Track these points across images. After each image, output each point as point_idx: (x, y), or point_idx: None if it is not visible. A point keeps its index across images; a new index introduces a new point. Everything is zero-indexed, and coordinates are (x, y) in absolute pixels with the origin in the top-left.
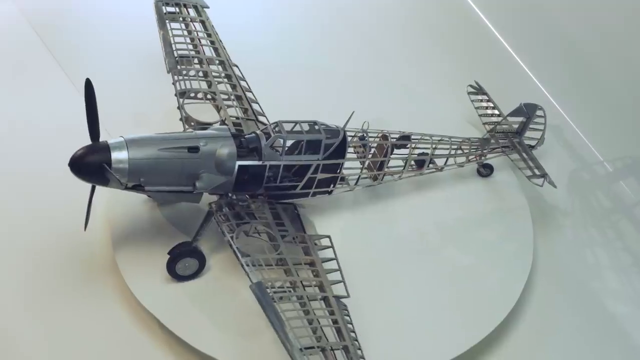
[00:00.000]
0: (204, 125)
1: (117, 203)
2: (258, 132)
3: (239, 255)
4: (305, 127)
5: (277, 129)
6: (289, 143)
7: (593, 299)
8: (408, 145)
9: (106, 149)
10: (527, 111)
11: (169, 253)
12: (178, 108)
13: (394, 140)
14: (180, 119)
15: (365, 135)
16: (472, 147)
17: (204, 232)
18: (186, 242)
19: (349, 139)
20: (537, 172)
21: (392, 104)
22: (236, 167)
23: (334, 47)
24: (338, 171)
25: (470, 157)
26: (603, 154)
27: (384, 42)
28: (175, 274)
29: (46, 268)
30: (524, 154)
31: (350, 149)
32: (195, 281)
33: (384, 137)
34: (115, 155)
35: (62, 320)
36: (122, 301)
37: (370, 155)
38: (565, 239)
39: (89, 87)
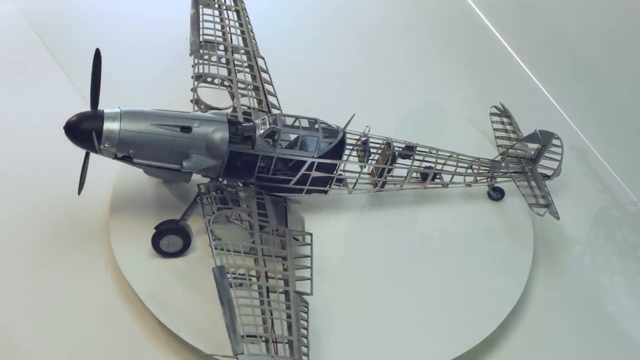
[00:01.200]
0: (218, 110)
1: (125, 175)
2: (257, 121)
3: (210, 237)
4: (305, 123)
5: (274, 121)
6: (292, 137)
7: (592, 300)
8: (412, 157)
9: (100, 117)
10: (543, 138)
11: (155, 228)
12: (192, 90)
13: (398, 149)
14: (191, 101)
15: (367, 139)
16: (482, 167)
17: (191, 213)
18: (174, 219)
19: (351, 141)
20: (541, 201)
21: (392, 104)
22: (227, 152)
23: (334, 47)
24: (335, 172)
25: (479, 178)
26: (603, 154)
27: (384, 42)
28: (159, 249)
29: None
30: (533, 182)
31: (352, 152)
32: (179, 260)
33: (387, 144)
34: (108, 125)
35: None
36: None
37: (372, 162)
38: (568, 255)
39: (97, 57)
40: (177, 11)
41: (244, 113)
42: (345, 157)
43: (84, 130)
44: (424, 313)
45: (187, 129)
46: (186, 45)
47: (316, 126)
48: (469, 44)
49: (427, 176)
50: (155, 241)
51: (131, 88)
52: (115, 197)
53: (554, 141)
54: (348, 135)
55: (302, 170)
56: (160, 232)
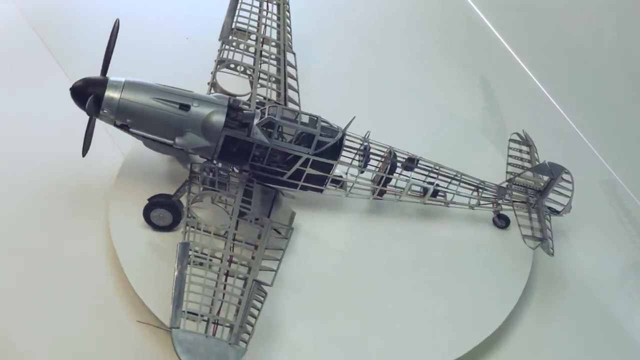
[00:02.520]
0: (232, 97)
1: (140, 148)
2: (258, 110)
3: (185, 214)
4: (305, 119)
5: (273, 111)
6: (294, 132)
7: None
8: (413, 169)
9: (103, 84)
10: (552, 171)
11: (148, 199)
12: (212, 72)
13: (401, 159)
14: (208, 83)
15: (368, 144)
16: (487, 191)
17: (184, 190)
18: (167, 194)
19: (351, 144)
20: (537, 234)
21: (391, 104)
22: (222, 135)
23: (334, 48)
24: (331, 172)
25: (483, 202)
26: (603, 155)
27: (384, 42)
28: (149, 221)
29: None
30: (534, 214)
31: (350, 155)
32: (168, 235)
33: (390, 153)
34: (109, 92)
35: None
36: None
37: (372, 168)
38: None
39: (115, 28)
40: (177, 11)
41: (258, 103)
42: (342, 160)
43: (85, 94)
44: (405, 324)
45: (185, 107)
46: (186, 44)
47: (316, 123)
48: (469, 44)
49: (427, 191)
50: (146, 212)
51: None
52: (124, 168)
53: (564, 175)
54: (349, 139)
55: (297, 166)
56: (151, 205)
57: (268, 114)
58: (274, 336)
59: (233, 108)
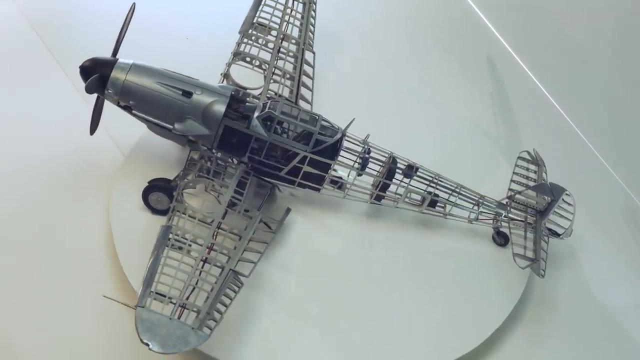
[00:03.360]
0: (240, 88)
1: (151, 135)
2: (260, 104)
3: (174, 198)
4: (306, 116)
5: (274, 106)
6: (298, 129)
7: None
8: (412, 176)
9: (111, 65)
10: (553, 192)
11: (148, 182)
12: (227, 64)
13: (402, 165)
14: (222, 73)
15: (367, 148)
16: (487, 205)
17: (184, 176)
18: (167, 179)
19: (351, 146)
20: (529, 253)
21: (391, 104)
22: (221, 125)
23: (333, 48)
24: (328, 172)
25: (481, 217)
26: (604, 155)
27: (384, 42)
28: (147, 203)
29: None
30: (530, 234)
31: (349, 156)
32: (163, 219)
33: (390, 158)
34: (115, 73)
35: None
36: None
37: (371, 172)
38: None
39: (131, 11)
40: (177, 11)
41: (269, 98)
42: (340, 161)
43: (92, 72)
44: (393, 331)
45: (188, 94)
46: (186, 44)
47: (316, 121)
48: (469, 44)
49: (424, 200)
50: (145, 195)
51: None
52: (134, 152)
53: (565, 197)
54: (350, 141)
55: (294, 162)
56: (150, 187)
57: (268, 108)
58: (262, 340)
59: (236, 99)
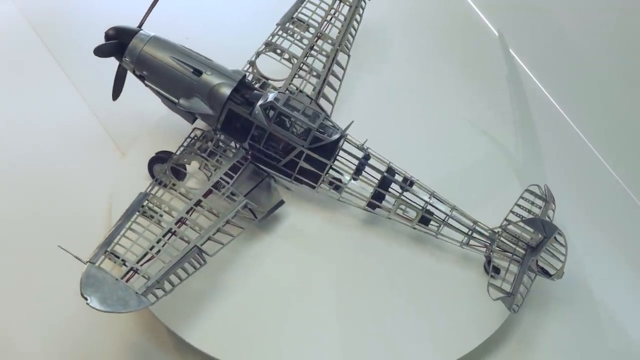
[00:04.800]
0: (264, 79)
1: (172, 116)
2: (268, 93)
3: (163, 169)
4: (310, 112)
5: (278, 97)
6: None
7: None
8: (405, 189)
9: (132, 34)
10: (545, 229)
11: (155, 153)
12: (256, 52)
13: (394, 176)
14: (248, 61)
15: (366, 154)
16: (479, 232)
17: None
18: (172, 152)
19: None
20: (504, 286)
21: (390, 104)
22: (226, 108)
23: None
24: (325, 171)
25: (472, 242)
26: (604, 156)
27: (383, 42)
28: (151, 172)
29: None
30: (512, 266)
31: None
32: None
33: (388, 168)
34: (135, 42)
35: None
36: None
37: (364, 177)
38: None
39: None
40: (177, 11)
41: (290, 92)
42: (337, 162)
43: (114, 37)
44: (374, 341)
45: (198, 72)
46: (186, 44)
47: (318, 118)
48: (469, 44)
49: (416, 215)
50: (150, 164)
51: (131, 87)
52: (134, 152)
53: (557, 237)
54: (350, 143)
55: (291, 156)
56: (155, 159)
57: (275, 99)
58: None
59: (244, 85)
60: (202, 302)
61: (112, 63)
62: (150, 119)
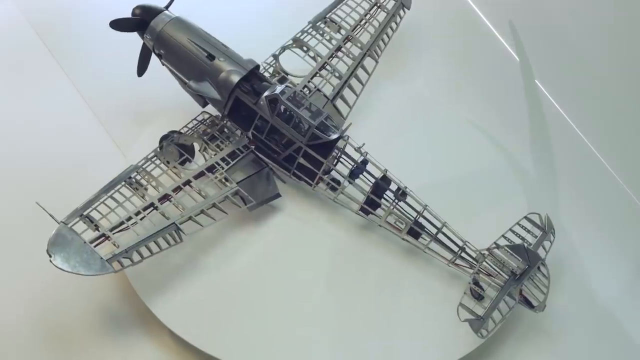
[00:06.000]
0: (284, 73)
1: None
2: (277, 86)
3: (160, 145)
4: (314, 108)
5: (284, 91)
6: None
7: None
8: (398, 199)
9: (155, 13)
10: (529, 257)
11: (168, 132)
12: (282, 46)
13: (389, 184)
14: (272, 54)
15: (366, 159)
16: (467, 252)
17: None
18: (178, 132)
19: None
20: (477, 309)
21: (390, 104)
22: (233, 95)
23: None
24: (320, 169)
25: (459, 261)
26: (604, 156)
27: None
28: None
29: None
30: (492, 292)
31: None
32: None
33: (381, 174)
34: (156, 21)
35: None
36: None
37: (359, 182)
38: None
39: None
40: (177, 11)
41: (308, 89)
42: (335, 163)
43: (138, 14)
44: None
45: (211, 57)
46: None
47: (319, 116)
48: (469, 44)
49: (405, 227)
50: (161, 143)
51: (131, 87)
52: (134, 152)
53: (541, 267)
54: (351, 145)
55: (289, 150)
56: (165, 137)
57: (281, 93)
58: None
59: (255, 75)
60: (177, 278)
61: (112, 63)
62: (151, 119)
